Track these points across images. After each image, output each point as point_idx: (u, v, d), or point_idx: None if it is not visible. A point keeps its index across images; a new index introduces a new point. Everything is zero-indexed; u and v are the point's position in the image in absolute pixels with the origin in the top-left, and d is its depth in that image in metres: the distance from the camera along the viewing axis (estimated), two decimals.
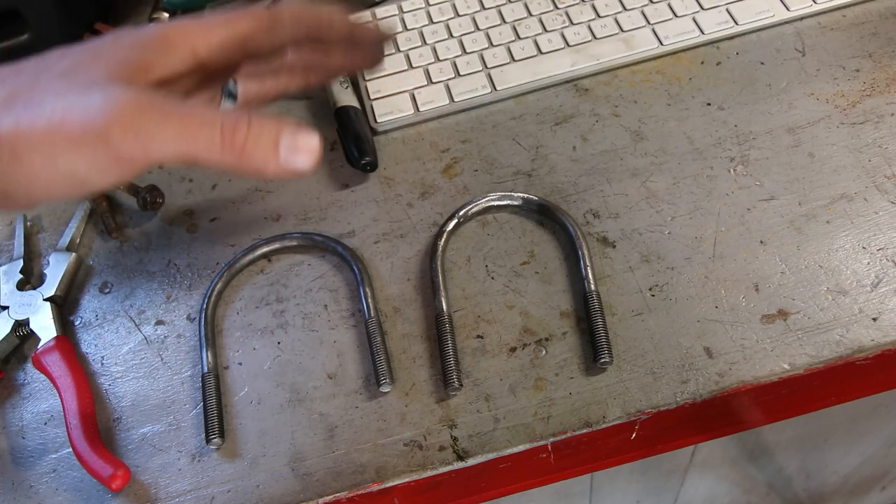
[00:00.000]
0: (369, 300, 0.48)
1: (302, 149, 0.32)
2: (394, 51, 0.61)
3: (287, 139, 0.31)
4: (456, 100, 0.58)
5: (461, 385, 0.44)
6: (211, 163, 0.31)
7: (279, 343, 0.48)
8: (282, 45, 0.38)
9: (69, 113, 0.29)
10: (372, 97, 0.59)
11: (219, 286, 0.50)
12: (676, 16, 0.60)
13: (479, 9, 0.63)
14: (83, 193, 0.33)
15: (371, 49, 0.42)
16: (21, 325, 0.50)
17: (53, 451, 0.46)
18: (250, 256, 0.52)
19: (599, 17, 0.60)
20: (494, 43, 0.60)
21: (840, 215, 0.48)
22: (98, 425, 0.46)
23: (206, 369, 0.47)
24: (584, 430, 0.43)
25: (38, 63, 0.33)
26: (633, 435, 0.45)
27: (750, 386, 0.43)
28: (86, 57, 0.32)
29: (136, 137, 0.30)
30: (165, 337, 0.50)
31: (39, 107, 0.29)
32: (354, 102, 0.58)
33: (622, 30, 0.59)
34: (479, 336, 0.47)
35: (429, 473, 0.43)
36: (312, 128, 0.33)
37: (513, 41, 0.60)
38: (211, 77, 0.39)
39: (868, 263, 0.46)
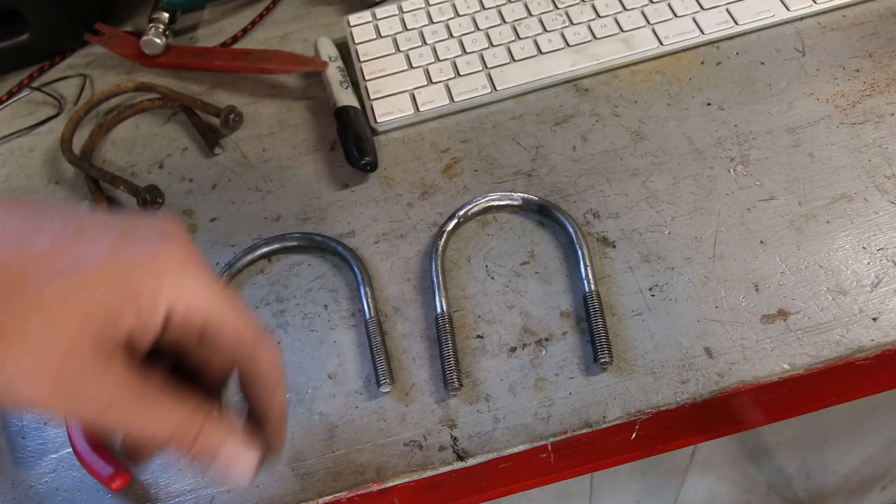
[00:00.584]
0: (369, 300, 0.48)
1: (237, 466, 0.31)
2: (394, 51, 0.61)
3: (226, 455, 0.31)
4: (456, 100, 0.58)
5: (461, 385, 0.44)
6: (155, 451, 0.33)
7: (279, 343, 0.48)
8: (217, 371, 0.33)
9: (33, 379, 0.27)
10: (372, 97, 0.59)
11: None
12: (676, 16, 0.60)
13: (479, 9, 0.63)
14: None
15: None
16: None
17: (53, 451, 0.46)
18: (250, 256, 0.52)
19: (599, 17, 0.60)
20: (494, 43, 0.60)
21: (840, 215, 0.48)
22: None
23: None
24: (584, 430, 0.43)
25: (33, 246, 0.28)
26: (633, 435, 0.45)
27: (750, 386, 0.43)
28: (70, 289, 0.27)
29: (97, 417, 0.29)
30: None
31: (24, 343, 0.26)
32: (354, 102, 0.58)
33: (622, 30, 0.59)
34: (479, 336, 0.47)
35: (429, 473, 0.42)
36: (256, 441, 0.32)
37: (513, 41, 0.60)
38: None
39: (868, 263, 0.46)
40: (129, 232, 0.29)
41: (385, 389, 0.45)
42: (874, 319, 0.44)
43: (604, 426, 0.43)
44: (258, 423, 0.34)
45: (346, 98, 0.58)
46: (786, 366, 0.43)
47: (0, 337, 0.26)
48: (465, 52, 0.60)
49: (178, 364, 0.33)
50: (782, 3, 0.59)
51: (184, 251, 0.30)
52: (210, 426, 0.30)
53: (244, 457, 0.31)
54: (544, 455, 0.44)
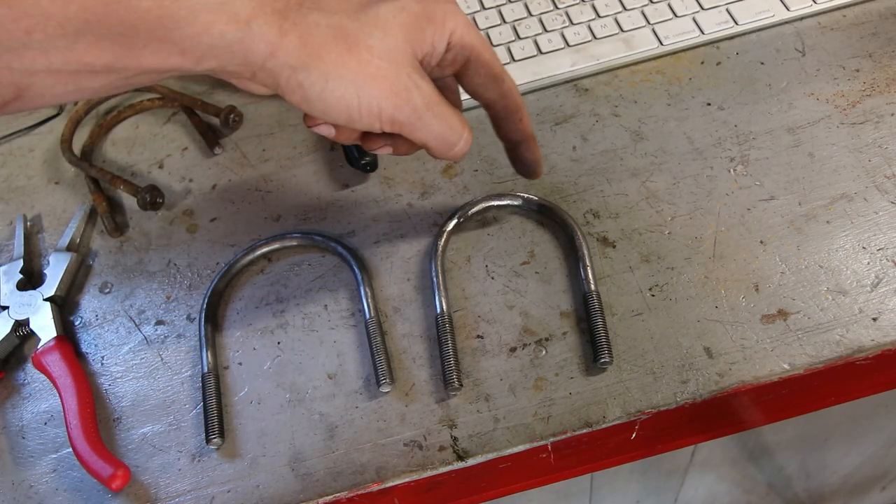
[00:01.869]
0: (369, 300, 0.48)
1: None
2: None
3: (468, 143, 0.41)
4: None
5: (461, 385, 0.44)
6: (432, 153, 0.40)
7: (279, 343, 0.48)
8: (479, 96, 0.41)
9: (376, 85, 0.35)
10: None
11: (219, 286, 0.50)
12: (676, 16, 0.60)
13: (478, 9, 0.63)
14: (347, 120, 0.36)
15: (523, 164, 0.46)
16: (21, 325, 0.50)
17: (53, 451, 0.46)
18: (250, 256, 0.52)
19: (599, 17, 0.60)
20: (494, 43, 0.60)
21: (840, 215, 0.48)
22: (98, 425, 0.46)
23: (206, 369, 0.47)
24: (584, 430, 0.43)
25: None
26: (633, 435, 0.45)
27: (750, 386, 0.43)
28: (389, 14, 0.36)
29: (411, 124, 0.37)
30: (165, 337, 0.50)
31: (356, 50, 0.34)
32: None
33: (622, 30, 0.59)
34: (479, 336, 0.47)
35: (429, 473, 0.43)
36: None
37: (513, 41, 0.60)
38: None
39: (868, 263, 0.46)
40: None
41: (385, 389, 0.45)
42: (874, 319, 0.44)
43: (604, 426, 0.43)
44: (515, 151, 0.45)
45: None
46: (786, 366, 0.43)
47: (353, 46, 0.34)
48: None
49: None
50: (782, 3, 0.59)
51: (457, 5, 0.38)
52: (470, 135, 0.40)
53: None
54: (544, 455, 0.44)
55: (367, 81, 0.34)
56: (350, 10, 0.34)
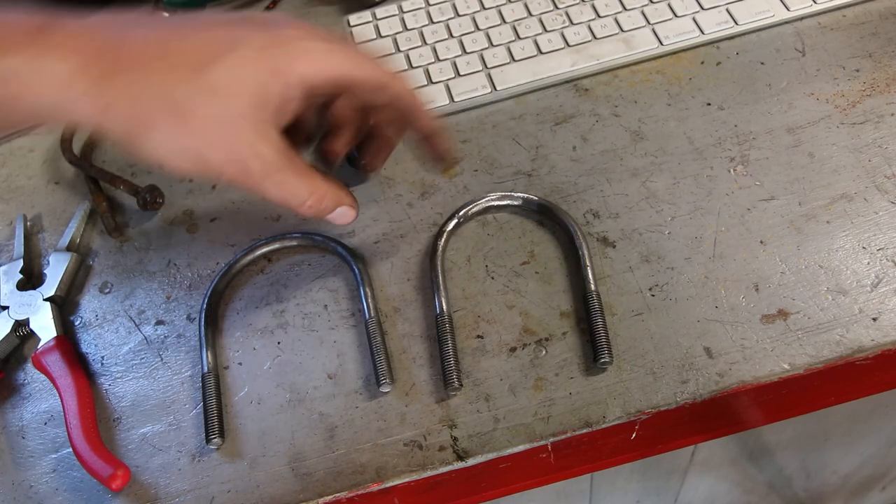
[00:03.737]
0: (369, 300, 0.48)
1: (343, 217, 0.42)
2: (394, 50, 0.61)
3: (338, 211, 0.41)
4: (456, 100, 0.58)
5: (461, 385, 0.44)
6: (290, 210, 0.39)
7: (279, 343, 0.48)
8: (374, 107, 0.41)
9: (213, 152, 0.34)
10: None
11: (219, 286, 0.50)
12: (676, 16, 0.60)
13: (479, 9, 0.63)
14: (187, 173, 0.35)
15: (434, 153, 0.45)
16: (21, 325, 0.50)
17: (53, 451, 0.46)
18: (250, 256, 0.52)
19: (599, 17, 0.60)
20: (494, 43, 0.60)
21: (840, 215, 0.48)
22: (98, 425, 0.46)
23: (206, 369, 0.47)
24: (584, 430, 0.43)
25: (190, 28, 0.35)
26: (633, 435, 0.45)
27: (750, 386, 0.43)
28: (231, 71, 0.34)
29: (249, 188, 0.36)
30: (165, 337, 0.50)
31: (194, 110, 0.33)
32: None
33: (622, 30, 0.59)
34: (479, 336, 0.47)
35: (429, 473, 0.43)
36: (354, 202, 0.43)
37: (513, 41, 0.60)
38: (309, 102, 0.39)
39: (868, 263, 0.46)
40: (259, 23, 0.36)
41: (385, 389, 0.45)
42: (874, 319, 0.44)
43: (604, 426, 0.43)
44: (427, 146, 0.44)
45: None
46: (786, 366, 0.43)
47: (187, 116, 0.33)
48: (465, 52, 0.60)
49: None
50: (782, 3, 0.59)
51: (306, 33, 0.36)
52: (332, 193, 0.39)
53: (349, 212, 0.42)
54: (544, 455, 0.44)
55: (203, 148, 0.34)
56: (184, 74, 0.33)
